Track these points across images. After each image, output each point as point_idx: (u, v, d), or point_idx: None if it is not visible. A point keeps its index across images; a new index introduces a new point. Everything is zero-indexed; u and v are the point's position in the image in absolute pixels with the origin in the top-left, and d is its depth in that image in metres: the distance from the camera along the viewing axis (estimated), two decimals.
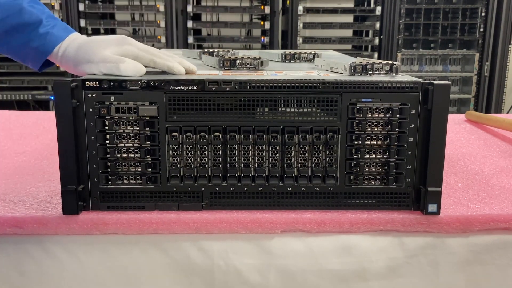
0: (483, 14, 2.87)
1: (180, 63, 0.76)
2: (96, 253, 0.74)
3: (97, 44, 0.76)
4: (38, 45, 0.78)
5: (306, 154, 0.74)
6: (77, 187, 0.71)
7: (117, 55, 0.74)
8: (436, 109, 0.70)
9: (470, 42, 2.97)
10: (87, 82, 0.70)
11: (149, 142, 0.72)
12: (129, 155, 0.73)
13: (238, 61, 0.83)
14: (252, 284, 0.74)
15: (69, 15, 2.79)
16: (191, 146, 0.73)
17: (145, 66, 0.74)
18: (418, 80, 0.72)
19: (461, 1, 2.89)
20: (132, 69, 0.72)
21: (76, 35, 0.81)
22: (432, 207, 0.73)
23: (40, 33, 0.78)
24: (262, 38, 2.94)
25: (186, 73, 0.76)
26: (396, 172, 0.74)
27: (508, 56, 2.88)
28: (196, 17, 3.04)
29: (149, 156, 0.73)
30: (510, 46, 2.87)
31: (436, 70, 3.00)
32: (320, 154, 0.74)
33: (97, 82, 0.70)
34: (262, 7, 2.88)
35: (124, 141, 0.72)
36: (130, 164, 0.73)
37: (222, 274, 0.74)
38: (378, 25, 2.91)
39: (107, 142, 0.72)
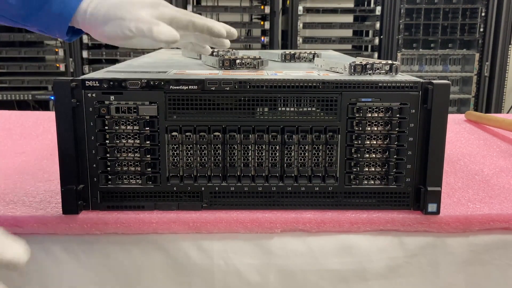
0: (483, 14, 2.87)
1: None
2: (96, 253, 0.73)
3: (131, 4, 0.69)
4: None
5: (306, 154, 0.74)
6: (77, 187, 0.71)
7: (153, 18, 0.68)
8: (436, 109, 0.70)
9: (470, 42, 2.97)
10: (87, 82, 0.70)
11: (149, 142, 0.72)
12: (129, 154, 0.73)
13: (238, 61, 0.83)
14: (252, 284, 0.74)
15: None
16: (191, 145, 0.73)
17: (183, 30, 0.70)
18: (418, 79, 0.72)
19: (461, 1, 2.89)
20: (166, 34, 0.67)
21: None
22: (432, 207, 0.73)
23: None
24: (262, 38, 2.94)
25: (226, 37, 0.73)
26: (396, 171, 0.74)
27: (508, 56, 2.88)
28: None
29: (149, 156, 0.73)
30: (510, 46, 2.87)
31: (436, 70, 3.00)
32: (320, 154, 0.74)
33: (97, 82, 0.70)
34: (262, 7, 2.89)
35: (124, 141, 0.72)
36: (130, 163, 0.73)
37: (222, 274, 0.74)
38: (378, 25, 2.91)
39: (107, 141, 0.72)
